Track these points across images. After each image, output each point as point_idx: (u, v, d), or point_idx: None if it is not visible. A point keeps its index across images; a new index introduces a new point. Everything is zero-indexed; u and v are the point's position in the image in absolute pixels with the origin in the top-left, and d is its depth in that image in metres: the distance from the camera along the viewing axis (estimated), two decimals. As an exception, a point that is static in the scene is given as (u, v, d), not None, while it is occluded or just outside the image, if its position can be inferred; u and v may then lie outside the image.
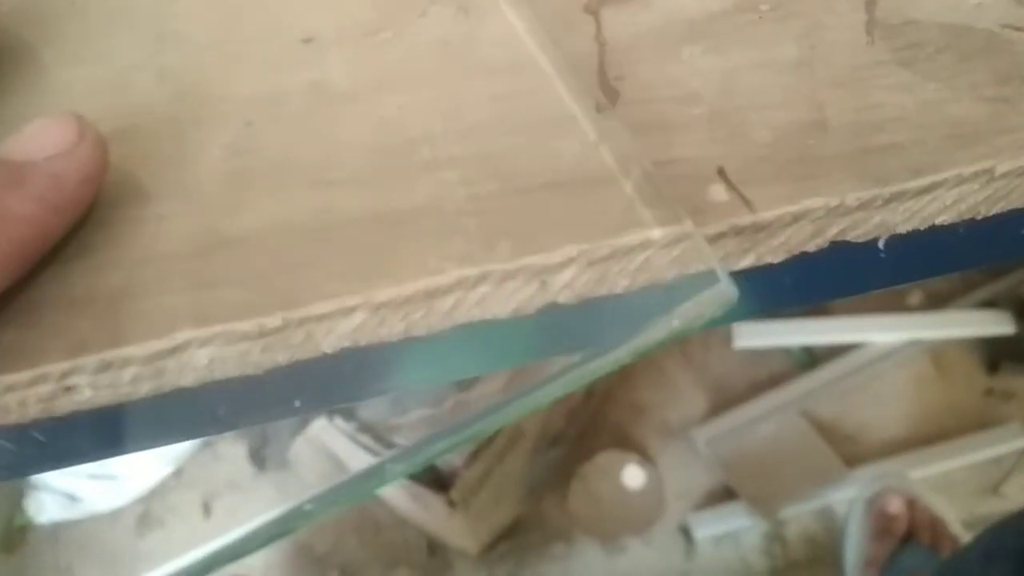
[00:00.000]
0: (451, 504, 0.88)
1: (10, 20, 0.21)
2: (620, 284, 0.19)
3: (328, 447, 1.01)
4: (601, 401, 1.05)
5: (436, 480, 0.90)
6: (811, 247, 0.20)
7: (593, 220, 0.18)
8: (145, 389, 0.18)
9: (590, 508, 1.01)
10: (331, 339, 0.19)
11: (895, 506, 0.87)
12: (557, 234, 0.18)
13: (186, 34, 0.21)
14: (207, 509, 1.04)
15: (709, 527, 0.98)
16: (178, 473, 1.05)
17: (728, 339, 1.05)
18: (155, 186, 0.19)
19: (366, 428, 0.92)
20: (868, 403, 1.03)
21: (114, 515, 1.04)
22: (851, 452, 1.00)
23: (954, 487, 0.97)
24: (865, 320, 1.03)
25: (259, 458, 0.94)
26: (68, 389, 0.18)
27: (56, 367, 0.17)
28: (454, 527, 0.92)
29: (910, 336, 1.03)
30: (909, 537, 0.87)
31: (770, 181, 0.19)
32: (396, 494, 0.93)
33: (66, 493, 1.04)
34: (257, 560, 1.01)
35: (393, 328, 0.19)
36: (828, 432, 1.01)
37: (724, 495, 1.00)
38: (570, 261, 0.18)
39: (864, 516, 0.90)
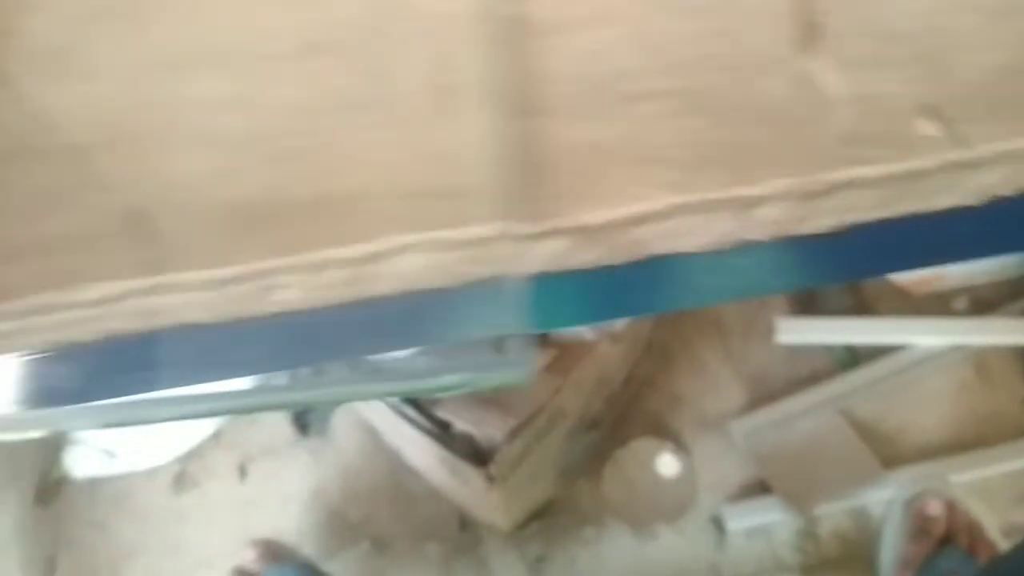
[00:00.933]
0: (490, 479, 0.88)
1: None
2: (824, 223, 0.19)
3: (367, 419, 1.02)
4: (639, 388, 1.05)
5: (475, 454, 0.91)
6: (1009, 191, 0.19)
7: (801, 156, 0.18)
8: (350, 293, 0.18)
9: (623, 493, 1.01)
10: (533, 259, 0.19)
11: (934, 508, 0.87)
12: (766, 168, 0.18)
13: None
14: (243, 472, 1.05)
15: (742, 520, 0.98)
16: (216, 435, 1.06)
17: (769, 333, 1.05)
18: (361, 96, 0.19)
19: (410, 399, 0.92)
20: (908, 405, 1.02)
21: (150, 473, 1.05)
22: (889, 453, 1.00)
23: (991, 494, 0.96)
24: (909, 322, 1.03)
25: (302, 423, 0.95)
26: (276, 288, 0.18)
27: (265, 264, 0.18)
28: (490, 502, 0.93)
29: (954, 341, 1.02)
30: (946, 540, 0.87)
31: (978, 120, 0.19)
32: (434, 466, 0.94)
33: (103, 448, 1.05)
34: (290, 526, 1.02)
35: (590, 254, 0.19)
36: (867, 432, 1.00)
37: (758, 489, 1.00)
38: (779, 195, 0.18)
39: (902, 517, 0.90)
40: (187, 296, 0.17)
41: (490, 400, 0.92)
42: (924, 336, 1.02)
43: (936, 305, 1.04)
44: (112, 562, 1.01)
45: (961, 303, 1.06)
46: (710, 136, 0.19)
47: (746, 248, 0.19)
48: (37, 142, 0.19)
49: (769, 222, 0.18)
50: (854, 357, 1.04)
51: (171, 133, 0.19)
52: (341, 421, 0.99)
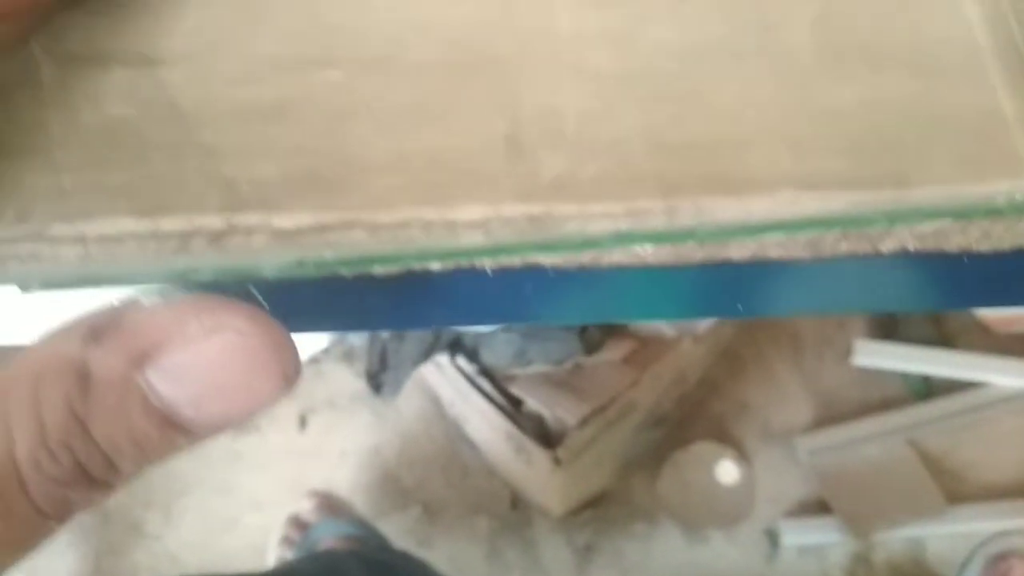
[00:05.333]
0: (556, 462, 0.88)
1: None
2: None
3: (432, 385, 1.02)
4: (707, 391, 1.04)
5: (543, 435, 0.90)
6: None
7: None
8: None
9: (679, 494, 1.00)
10: (904, 234, 0.18)
11: (1020, 573, 0.85)
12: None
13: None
14: (303, 422, 1.05)
15: (798, 536, 0.97)
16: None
17: (845, 353, 1.04)
18: (742, 46, 0.19)
19: (485, 372, 0.92)
20: (978, 443, 1.01)
21: (211, 411, 1.05)
22: (954, 489, 0.98)
23: (1055, 543, 0.95)
24: (989, 360, 1.01)
25: (376, 382, 0.95)
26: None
27: (652, 203, 0.17)
28: (550, 485, 0.92)
29: (1033, 385, 1.00)
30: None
31: None
32: (498, 441, 0.93)
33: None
34: (344, 481, 1.02)
35: (964, 238, 0.18)
36: (933, 465, 0.99)
37: (816, 507, 0.99)
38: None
39: (983, 570, 0.89)
40: (562, 225, 0.17)
41: (565, 383, 0.92)
42: (1002, 376, 1.01)
43: (1017, 345, 1.02)
44: (165, 495, 1.02)
45: (1045, 347, 1.04)
46: None
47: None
48: (407, 55, 0.18)
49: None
50: (928, 388, 1.03)
51: (542, 62, 0.18)
52: (409, 386, 0.98)
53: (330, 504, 0.97)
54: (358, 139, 0.18)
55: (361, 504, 1.01)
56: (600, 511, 1.01)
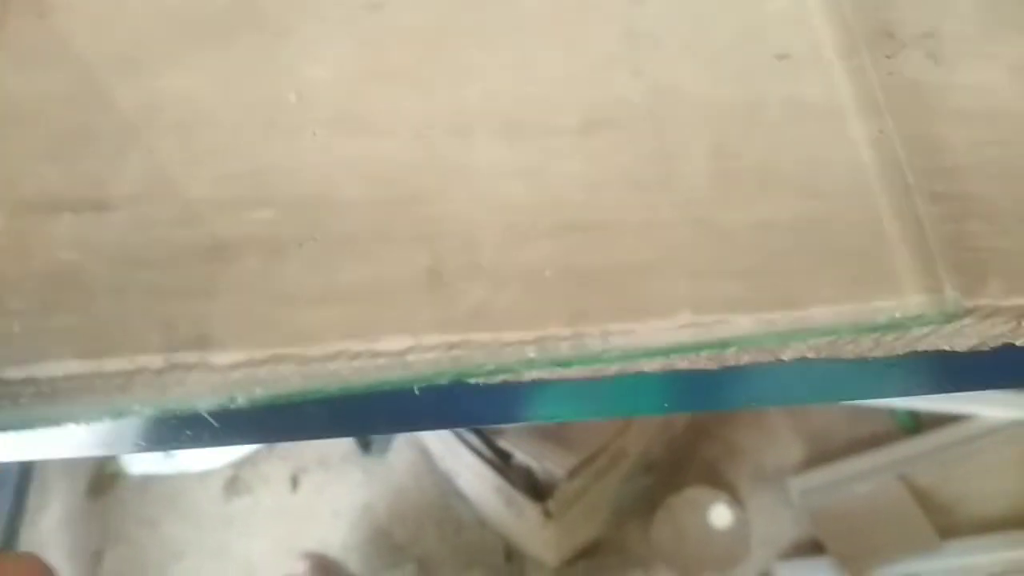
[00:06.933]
0: (546, 514, 0.88)
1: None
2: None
3: (421, 441, 1.02)
4: (697, 435, 1.04)
5: (533, 487, 0.91)
6: None
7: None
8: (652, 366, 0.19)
9: (673, 541, 1.00)
10: (800, 346, 0.19)
11: None
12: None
13: (657, 35, 0.22)
14: (295, 482, 1.05)
15: (793, 578, 0.97)
16: (271, 444, 1.06)
17: (831, 392, 1.04)
18: (642, 176, 0.20)
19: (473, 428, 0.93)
20: (969, 476, 1.01)
21: (204, 476, 1.05)
22: (946, 523, 0.98)
23: (1050, 575, 0.95)
24: (975, 392, 1.02)
25: (364, 441, 0.95)
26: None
27: (561, 330, 0.18)
28: (544, 538, 0.92)
29: (1018, 415, 1.01)
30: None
31: None
32: (488, 494, 0.94)
33: (160, 446, 1.06)
34: (337, 540, 1.02)
35: (857, 347, 0.19)
36: (925, 500, 0.99)
37: (811, 548, 0.99)
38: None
39: None
40: (477, 354, 0.18)
41: (553, 435, 0.92)
42: (989, 407, 1.01)
43: (1003, 378, 1.03)
44: (159, 561, 1.02)
45: (1029, 378, 1.05)
46: (989, 243, 0.19)
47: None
48: (336, 193, 0.20)
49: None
50: (916, 423, 1.03)
51: (460, 196, 0.20)
52: (399, 442, 0.99)
53: (324, 565, 0.97)
54: (290, 275, 0.20)
55: (356, 563, 1.01)
56: (595, 560, 1.01)
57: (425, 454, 1.03)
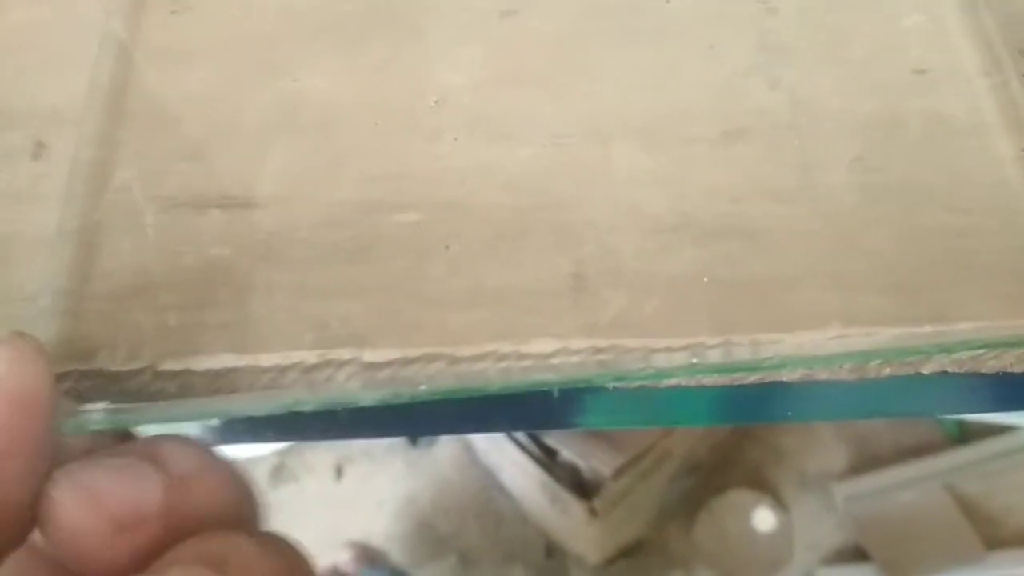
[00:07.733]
0: (592, 512, 0.89)
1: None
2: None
3: (467, 437, 1.03)
4: (742, 438, 1.04)
5: (578, 485, 0.91)
6: None
7: None
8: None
9: (715, 543, 1.00)
10: (943, 359, 0.19)
11: None
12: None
13: (792, 46, 0.22)
14: (339, 472, 1.07)
15: (836, 584, 0.96)
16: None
17: (878, 398, 1.03)
18: (784, 188, 0.20)
19: (520, 423, 0.93)
20: (1015, 487, 1.00)
21: (250, 462, 1.07)
22: (991, 534, 0.97)
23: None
24: None
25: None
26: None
27: (710, 339, 0.19)
28: (587, 535, 0.93)
29: (1070, 428, 0.99)
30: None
31: None
32: (532, 490, 0.94)
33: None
34: (380, 531, 1.04)
35: (999, 362, 0.19)
36: (970, 510, 0.98)
37: (853, 555, 0.99)
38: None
39: None
40: (626, 359, 0.18)
41: (600, 434, 0.93)
42: (1039, 419, 1.00)
43: (1055, 389, 1.02)
44: (206, 545, 1.03)
45: (1081, 390, 1.04)
46: None
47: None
48: (476, 198, 0.20)
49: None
50: (963, 433, 1.02)
51: (599, 203, 0.20)
52: (445, 438, 1.00)
53: (368, 555, 0.98)
54: (436, 278, 0.20)
55: (398, 554, 1.02)
56: (636, 560, 1.01)
57: (469, 448, 1.04)
